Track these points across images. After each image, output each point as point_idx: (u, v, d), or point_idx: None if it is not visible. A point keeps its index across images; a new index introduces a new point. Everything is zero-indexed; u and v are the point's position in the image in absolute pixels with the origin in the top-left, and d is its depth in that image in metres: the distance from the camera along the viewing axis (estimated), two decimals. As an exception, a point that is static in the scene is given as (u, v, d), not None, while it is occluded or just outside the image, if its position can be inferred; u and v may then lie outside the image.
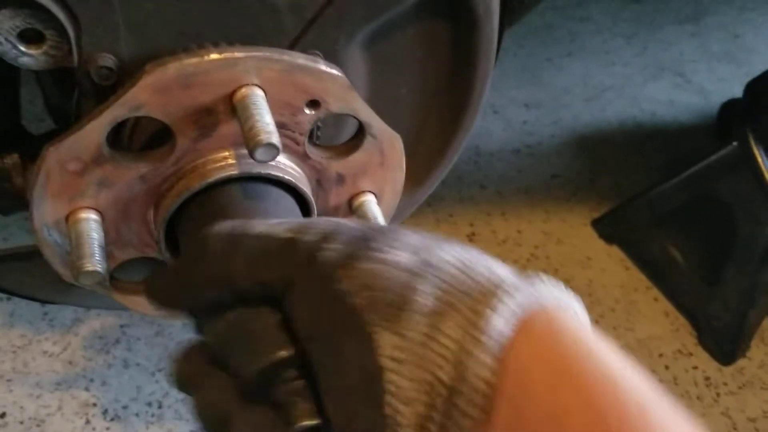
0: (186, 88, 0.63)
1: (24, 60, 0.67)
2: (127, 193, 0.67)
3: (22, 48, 0.67)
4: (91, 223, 0.66)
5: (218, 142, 0.67)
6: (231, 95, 0.64)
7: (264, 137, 0.59)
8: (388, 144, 0.75)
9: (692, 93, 1.74)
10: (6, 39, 0.66)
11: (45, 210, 0.66)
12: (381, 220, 0.77)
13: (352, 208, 0.78)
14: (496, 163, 1.55)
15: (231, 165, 0.67)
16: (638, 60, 1.82)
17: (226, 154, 0.67)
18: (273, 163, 0.68)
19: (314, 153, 0.72)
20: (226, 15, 0.68)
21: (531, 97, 1.69)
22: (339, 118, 0.77)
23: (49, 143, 0.63)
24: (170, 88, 0.62)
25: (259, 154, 0.60)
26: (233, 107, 0.64)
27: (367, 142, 0.73)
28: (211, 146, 0.67)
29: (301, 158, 0.72)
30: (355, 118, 0.71)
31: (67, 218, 0.67)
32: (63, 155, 0.63)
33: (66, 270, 0.71)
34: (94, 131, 0.62)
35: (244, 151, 0.67)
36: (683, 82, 1.77)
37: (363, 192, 0.77)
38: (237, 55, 0.63)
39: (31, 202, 0.65)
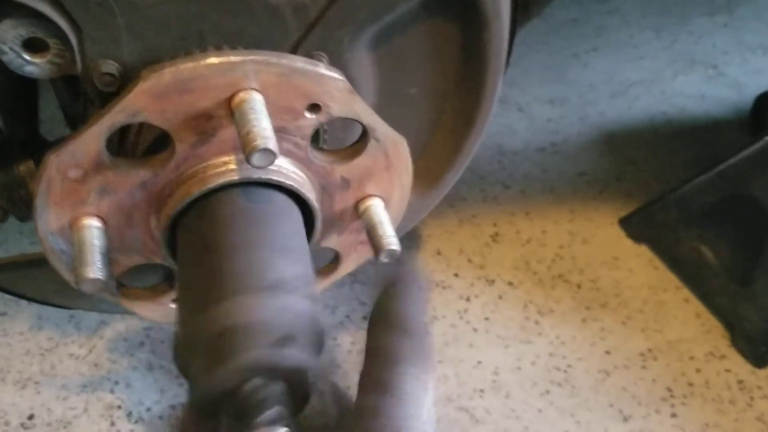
0: (183, 93, 0.62)
1: (29, 68, 0.67)
2: (129, 199, 0.67)
3: (27, 57, 0.67)
4: (93, 230, 0.66)
5: (219, 148, 0.66)
6: (229, 100, 0.63)
7: (260, 142, 0.59)
8: (392, 147, 0.73)
9: (725, 86, 1.68)
10: (10, 48, 0.66)
11: (48, 218, 0.66)
12: (387, 223, 0.76)
13: (358, 212, 0.77)
14: (520, 162, 1.52)
15: (232, 170, 0.66)
16: (667, 53, 1.76)
17: (227, 159, 0.67)
18: (275, 168, 0.68)
19: (317, 157, 0.71)
20: (228, 18, 0.67)
21: (556, 93, 1.65)
22: (347, 122, 0.76)
23: (49, 150, 0.63)
24: (167, 93, 0.62)
25: (256, 159, 0.59)
26: (232, 112, 0.63)
27: (371, 145, 0.72)
28: (212, 151, 0.66)
29: (305, 163, 0.71)
30: (357, 121, 0.70)
31: (70, 225, 0.67)
32: (63, 162, 0.63)
33: (72, 277, 0.71)
34: (93, 138, 0.62)
35: (246, 156, 0.66)
36: (716, 74, 1.71)
37: (369, 196, 0.76)
38: (234, 59, 0.62)
39: (35, 210, 0.66)
